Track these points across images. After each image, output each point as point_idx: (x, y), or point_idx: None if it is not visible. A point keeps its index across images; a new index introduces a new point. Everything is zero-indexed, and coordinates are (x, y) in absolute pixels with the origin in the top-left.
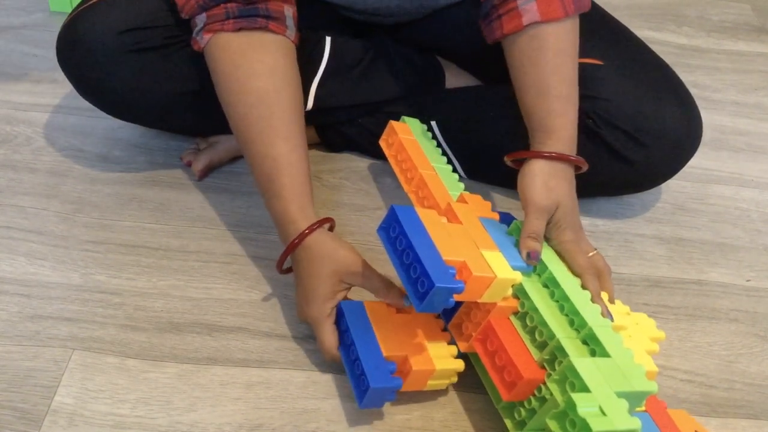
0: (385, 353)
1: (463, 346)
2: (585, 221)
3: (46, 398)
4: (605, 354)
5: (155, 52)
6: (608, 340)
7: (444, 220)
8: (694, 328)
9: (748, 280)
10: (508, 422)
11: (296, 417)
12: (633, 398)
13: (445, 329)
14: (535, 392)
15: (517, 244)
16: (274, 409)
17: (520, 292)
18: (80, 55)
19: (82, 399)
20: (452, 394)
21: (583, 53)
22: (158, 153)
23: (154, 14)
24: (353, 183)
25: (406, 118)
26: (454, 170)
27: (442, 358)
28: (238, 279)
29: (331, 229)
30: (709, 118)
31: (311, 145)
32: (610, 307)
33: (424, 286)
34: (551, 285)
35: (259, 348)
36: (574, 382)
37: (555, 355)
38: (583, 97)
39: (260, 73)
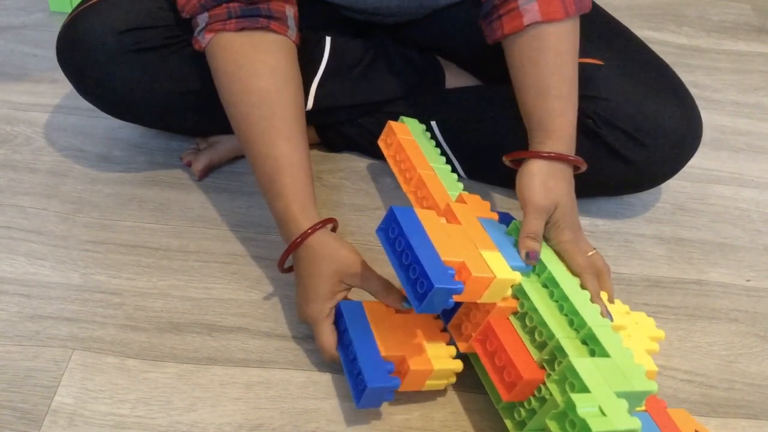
0: (383, 353)
1: (463, 347)
2: (585, 221)
3: (46, 398)
4: (605, 354)
5: (155, 52)
6: (608, 340)
7: (443, 220)
8: (694, 328)
9: (748, 280)
10: (508, 422)
11: (296, 417)
12: (633, 398)
13: (444, 330)
14: (535, 392)
15: (516, 244)
16: (274, 409)
17: (519, 293)
18: (80, 55)
19: (82, 399)
20: (452, 394)
21: (583, 53)
22: (158, 153)
23: (155, 14)
24: (353, 183)
25: (404, 119)
26: (454, 170)
27: (440, 359)
28: (238, 279)
29: (334, 229)
30: (709, 118)
31: (311, 145)
32: (610, 306)
33: (423, 287)
34: (550, 285)
35: (259, 348)
36: (573, 382)
37: (554, 356)
38: (583, 97)
39: (262, 73)
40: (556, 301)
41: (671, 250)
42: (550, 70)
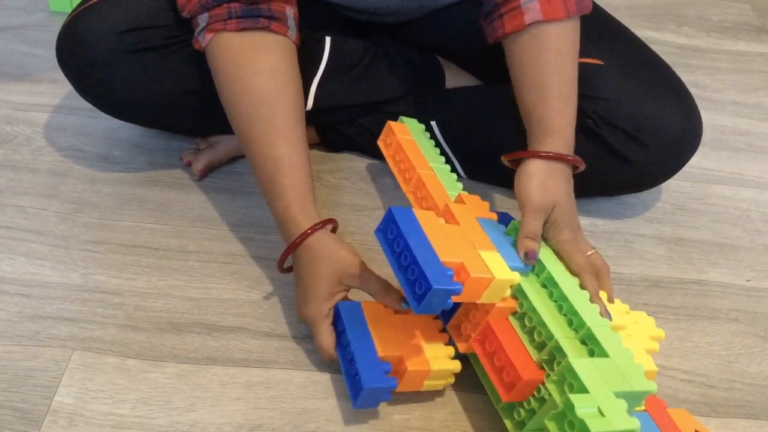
0: (380, 354)
1: (462, 347)
2: (585, 221)
3: (46, 398)
4: (604, 354)
5: (155, 52)
6: (607, 340)
7: (442, 221)
8: (694, 328)
9: (748, 280)
10: (507, 423)
11: (296, 417)
12: (632, 398)
13: (443, 330)
14: (535, 393)
15: (515, 245)
16: (274, 409)
17: (518, 293)
18: (80, 56)
19: (82, 399)
20: (452, 395)
21: (583, 53)
22: (158, 153)
23: (154, 14)
24: (353, 183)
25: (404, 118)
26: (454, 170)
27: (438, 359)
28: (238, 279)
29: (334, 230)
30: (709, 118)
31: (311, 145)
32: (609, 306)
33: (421, 288)
34: (549, 285)
35: (259, 348)
36: (572, 382)
37: (554, 356)
38: (583, 97)
39: (262, 74)
40: (555, 301)
41: (671, 250)
42: (550, 70)
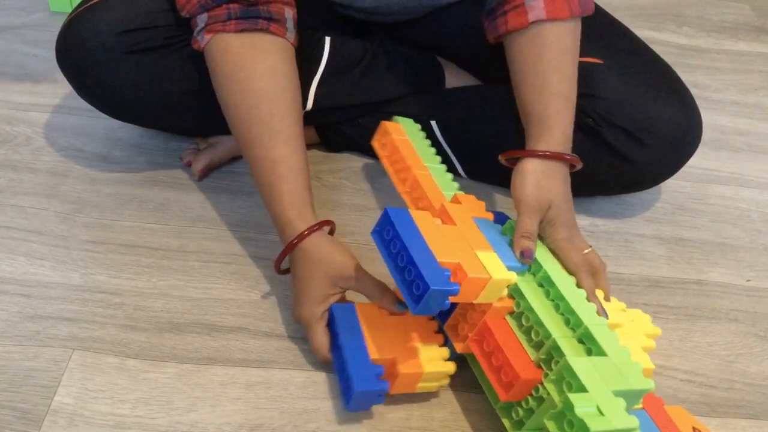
0: (373, 356)
1: (460, 347)
2: (585, 221)
3: (46, 398)
4: (601, 353)
5: (155, 52)
6: (604, 339)
7: (438, 221)
8: (694, 328)
9: (748, 280)
10: (506, 422)
11: (296, 417)
12: (630, 396)
13: (440, 331)
14: (533, 392)
15: (511, 244)
16: (274, 409)
17: (515, 292)
18: (80, 56)
19: (82, 399)
20: (451, 395)
21: (583, 53)
22: (158, 153)
23: (154, 14)
24: (353, 183)
25: (398, 118)
26: (454, 170)
27: (432, 361)
28: (238, 279)
29: (331, 232)
30: (709, 118)
31: (311, 145)
32: (606, 304)
33: (419, 289)
34: (546, 284)
35: (259, 348)
36: (570, 381)
37: (551, 355)
38: (583, 96)
39: (261, 75)
40: (552, 300)
41: (671, 250)
42: (551, 69)
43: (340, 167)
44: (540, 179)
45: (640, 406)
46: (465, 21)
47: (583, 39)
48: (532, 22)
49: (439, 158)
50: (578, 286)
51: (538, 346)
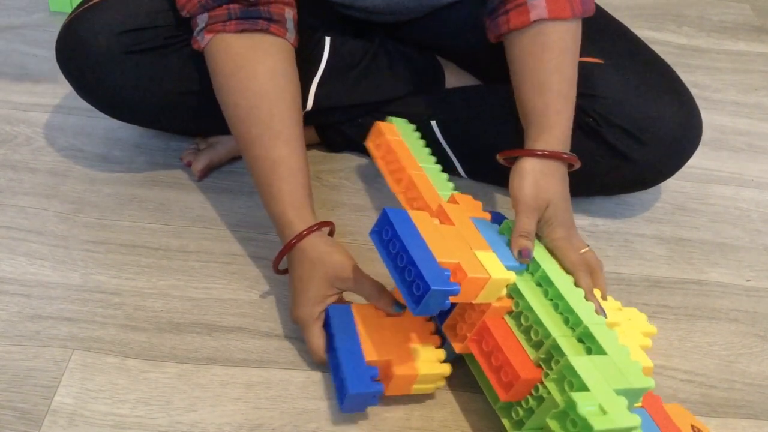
0: (367, 358)
1: (458, 347)
2: (585, 221)
3: (46, 398)
4: (601, 351)
5: (155, 52)
6: (604, 338)
7: (436, 221)
8: (694, 328)
9: (748, 280)
10: (506, 422)
11: (296, 417)
12: (631, 395)
13: (438, 331)
14: (533, 392)
15: (509, 244)
16: (274, 409)
17: (514, 292)
18: (80, 56)
19: (82, 399)
20: (451, 395)
21: (583, 52)
22: (158, 153)
23: (154, 15)
24: (353, 183)
25: (392, 119)
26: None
27: (427, 363)
28: (238, 279)
29: (331, 233)
30: (709, 118)
31: (311, 145)
32: (602, 303)
33: (419, 289)
34: (544, 283)
35: (259, 348)
36: (572, 381)
37: (551, 354)
38: (583, 96)
39: (261, 75)
40: (551, 300)
41: (671, 250)
42: (551, 68)
43: (340, 167)
44: (538, 178)
45: (640, 404)
46: (465, 21)
47: (583, 39)
48: (534, 21)
49: (434, 158)
50: (576, 285)
51: (537, 345)
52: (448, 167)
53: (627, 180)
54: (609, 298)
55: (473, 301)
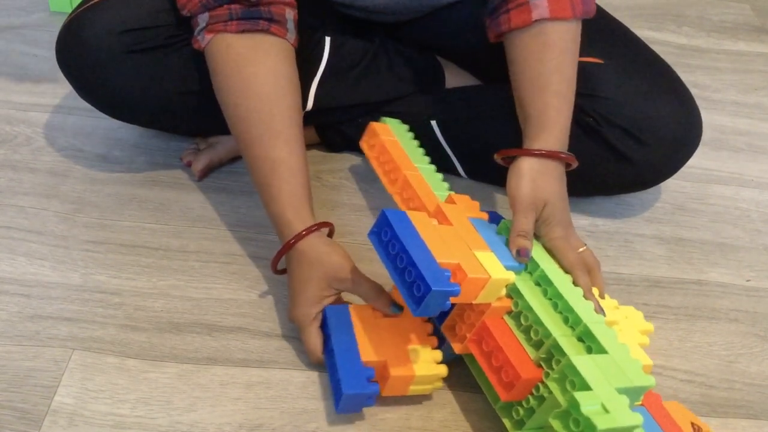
0: (364, 359)
1: (458, 348)
2: (585, 221)
3: (46, 398)
4: (602, 350)
5: (155, 52)
6: (604, 337)
7: (434, 222)
8: (694, 328)
9: (748, 280)
10: (506, 422)
11: (296, 417)
12: (632, 393)
13: (435, 333)
14: (533, 391)
15: (507, 244)
16: (274, 409)
17: (513, 292)
18: (80, 56)
19: (82, 399)
20: (451, 395)
21: (583, 52)
22: (158, 153)
23: (155, 14)
24: (353, 183)
25: (386, 119)
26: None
27: (424, 364)
28: (238, 279)
29: (330, 234)
30: (709, 118)
31: (311, 145)
32: (600, 302)
33: (420, 290)
34: (543, 283)
35: (259, 348)
36: (574, 380)
37: (551, 354)
38: (583, 96)
39: (262, 76)
40: (550, 299)
41: (671, 250)
42: (551, 68)
43: (340, 167)
44: (535, 178)
45: (640, 402)
46: (465, 21)
47: (583, 39)
48: (536, 21)
49: (428, 158)
50: (574, 284)
51: (537, 345)
52: (448, 167)
53: (627, 180)
54: (606, 296)
55: (473, 302)
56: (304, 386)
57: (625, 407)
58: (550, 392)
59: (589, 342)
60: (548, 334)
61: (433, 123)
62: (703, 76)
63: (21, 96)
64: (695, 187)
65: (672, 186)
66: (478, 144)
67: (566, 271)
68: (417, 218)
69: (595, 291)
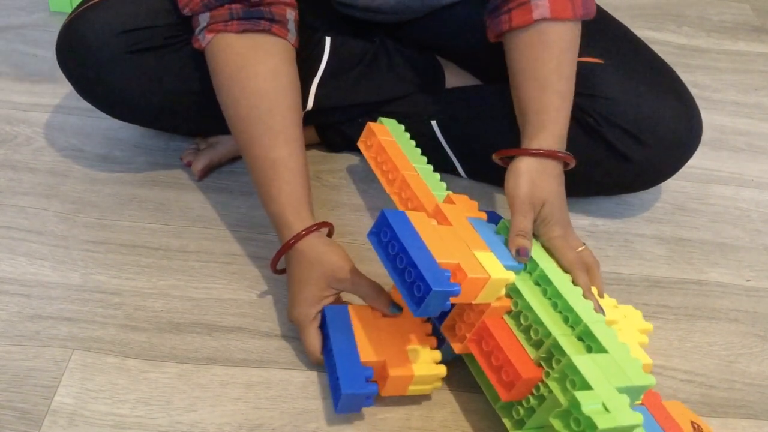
0: (363, 359)
1: (458, 348)
2: (585, 221)
3: (46, 398)
4: (602, 350)
5: (155, 52)
6: (604, 336)
7: (434, 222)
8: (694, 328)
9: (748, 280)
10: (506, 422)
11: (296, 417)
12: (632, 392)
13: (435, 332)
14: (534, 391)
15: (506, 243)
16: (274, 409)
17: (513, 291)
18: (80, 56)
19: (82, 399)
20: (451, 395)
21: (583, 52)
22: (158, 153)
23: (155, 14)
24: (353, 183)
25: (383, 119)
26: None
27: (422, 364)
28: (238, 279)
29: (330, 234)
30: (709, 118)
31: (311, 145)
32: (599, 301)
33: (420, 291)
34: (543, 282)
35: (259, 348)
36: (574, 379)
37: (552, 353)
38: (583, 96)
39: (262, 76)
40: (550, 299)
41: (671, 250)
42: (552, 67)
43: (340, 167)
44: (534, 177)
45: (640, 401)
46: (465, 21)
47: (583, 39)
48: (536, 20)
49: (425, 158)
50: (573, 283)
51: (537, 344)
52: (448, 167)
53: (627, 180)
54: (605, 295)
55: (473, 302)
56: (304, 386)
57: (626, 406)
58: (551, 392)
59: (589, 341)
60: (548, 334)
61: (434, 123)
62: (703, 76)
63: (21, 96)
64: (695, 187)
65: (672, 186)
66: (478, 144)
67: (565, 271)
68: (416, 218)
69: (594, 290)
